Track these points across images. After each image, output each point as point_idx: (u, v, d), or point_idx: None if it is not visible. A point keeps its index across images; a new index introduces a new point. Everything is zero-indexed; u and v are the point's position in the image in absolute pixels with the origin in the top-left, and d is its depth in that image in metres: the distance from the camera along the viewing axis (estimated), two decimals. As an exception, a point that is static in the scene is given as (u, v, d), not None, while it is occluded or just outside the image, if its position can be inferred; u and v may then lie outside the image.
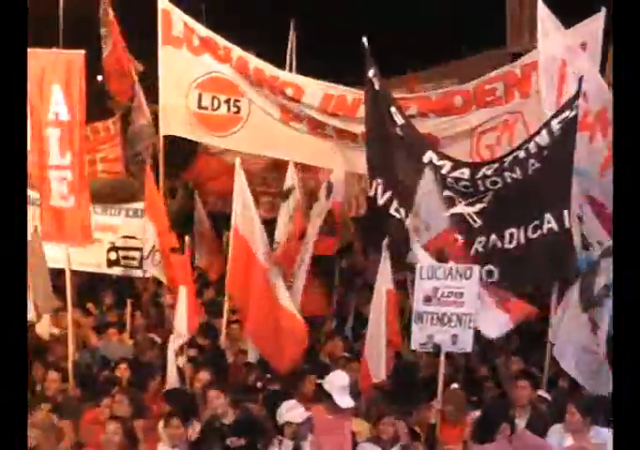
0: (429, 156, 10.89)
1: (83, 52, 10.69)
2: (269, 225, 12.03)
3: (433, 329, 9.50)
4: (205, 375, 9.56)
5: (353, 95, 12.36)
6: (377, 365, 9.88)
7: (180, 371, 9.99)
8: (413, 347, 9.76)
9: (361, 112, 11.85)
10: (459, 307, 9.48)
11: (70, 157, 10.55)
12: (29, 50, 10.44)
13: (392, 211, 11.11)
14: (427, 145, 11.19)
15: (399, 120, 11.16)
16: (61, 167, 10.55)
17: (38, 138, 10.55)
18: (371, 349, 10.04)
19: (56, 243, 11.17)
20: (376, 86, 11.26)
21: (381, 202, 11.17)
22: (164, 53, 12.85)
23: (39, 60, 10.54)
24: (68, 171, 10.54)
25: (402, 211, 11.00)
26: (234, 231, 10.95)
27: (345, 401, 8.65)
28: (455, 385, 9.46)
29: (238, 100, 12.75)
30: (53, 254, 11.59)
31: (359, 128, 12.03)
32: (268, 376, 10.27)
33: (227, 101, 12.78)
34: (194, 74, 12.77)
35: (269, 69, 12.79)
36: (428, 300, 9.59)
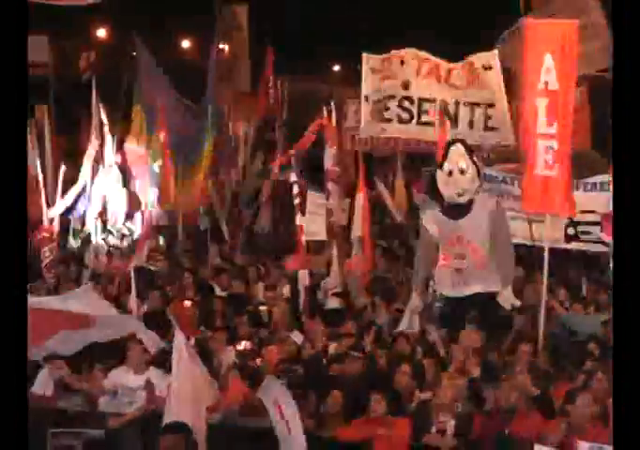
0: None
1: (576, 21, 10.54)
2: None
3: None
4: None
5: None
6: None
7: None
8: None
9: None
10: None
11: (557, 126, 10.48)
12: (528, 20, 10.66)
13: None
14: None
15: None
16: (548, 136, 10.51)
17: (529, 107, 10.63)
18: None
19: (540, 213, 11.21)
20: None
21: None
22: None
23: (536, 30, 10.65)
24: (555, 140, 10.48)
25: None
26: None
27: None
28: None
29: None
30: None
31: None
32: None
33: None
34: None
35: None
36: None
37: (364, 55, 13.64)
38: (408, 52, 13.57)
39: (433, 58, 13.49)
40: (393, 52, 13.77)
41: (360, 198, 13.78)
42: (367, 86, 13.64)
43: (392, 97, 13.41)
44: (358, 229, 13.69)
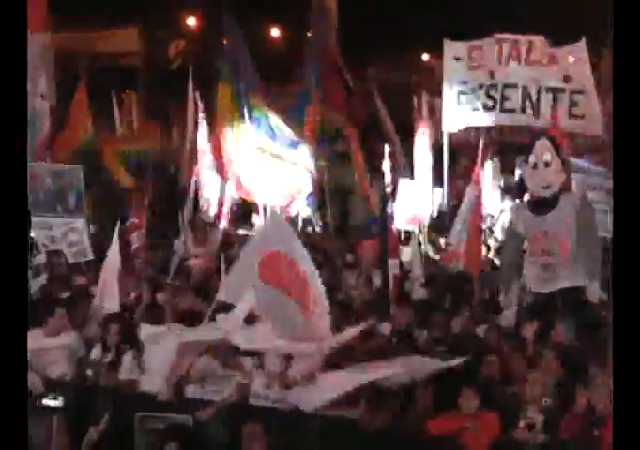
0: None
1: None
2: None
3: None
4: None
5: None
6: None
7: None
8: None
9: None
10: None
11: None
12: None
13: None
14: None
15: None
16: None
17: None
18: None
19: None
20: None
21: None
22: None
23: None
24: None
25: None
26: None
27: None
28: None
29: None
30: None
31: None
32: None
33: None
34: None
35: None
36: None
37: (446, 43, 13.45)
38: (489, 39, 13.38)
39: (511, 36, 13.26)
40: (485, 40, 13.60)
41: (472, 189, 13.48)
42: (450, 75, 13.49)
43: (480, 86, 13.24)
44: (465, 221, 13.40)
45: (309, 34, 23.46)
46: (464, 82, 13.25)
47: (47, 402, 8.90)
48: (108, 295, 11.13)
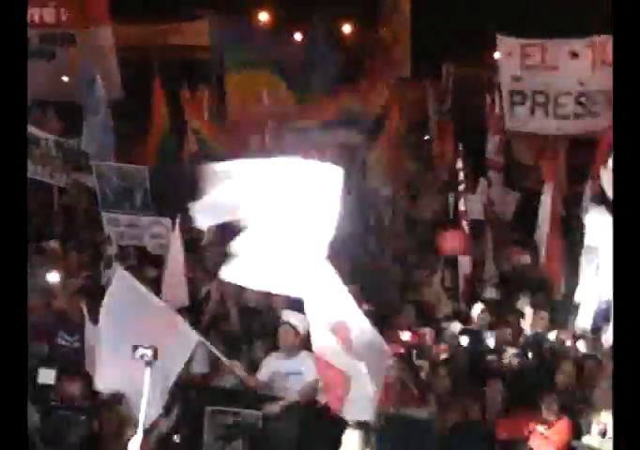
0: None
1: None
2: None
3: None
4: None
5: None
6: None
7: None
8: None
9: None
10: None
11: None
12: None
13: None
14: None
15: None
16: None
17: None
18: None
19: None
20: None
21: None
22: None
23: None
24: None
25: None
26: None
27: None
28: None
29: None
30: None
31: None
32: None
33: None
34: None
35: None
36: None
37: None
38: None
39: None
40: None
41: (549, 188, 13.12)
42: (505, 73, 13.30)
43: (567, 93, 13.07)
44: (543, 223, 13.07)
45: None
46: (531, 82, 13.15)
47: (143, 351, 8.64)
48: (172, 290, 11.21)
